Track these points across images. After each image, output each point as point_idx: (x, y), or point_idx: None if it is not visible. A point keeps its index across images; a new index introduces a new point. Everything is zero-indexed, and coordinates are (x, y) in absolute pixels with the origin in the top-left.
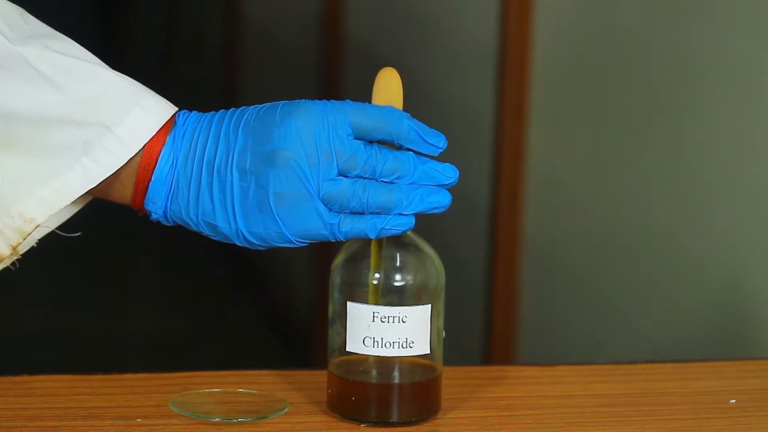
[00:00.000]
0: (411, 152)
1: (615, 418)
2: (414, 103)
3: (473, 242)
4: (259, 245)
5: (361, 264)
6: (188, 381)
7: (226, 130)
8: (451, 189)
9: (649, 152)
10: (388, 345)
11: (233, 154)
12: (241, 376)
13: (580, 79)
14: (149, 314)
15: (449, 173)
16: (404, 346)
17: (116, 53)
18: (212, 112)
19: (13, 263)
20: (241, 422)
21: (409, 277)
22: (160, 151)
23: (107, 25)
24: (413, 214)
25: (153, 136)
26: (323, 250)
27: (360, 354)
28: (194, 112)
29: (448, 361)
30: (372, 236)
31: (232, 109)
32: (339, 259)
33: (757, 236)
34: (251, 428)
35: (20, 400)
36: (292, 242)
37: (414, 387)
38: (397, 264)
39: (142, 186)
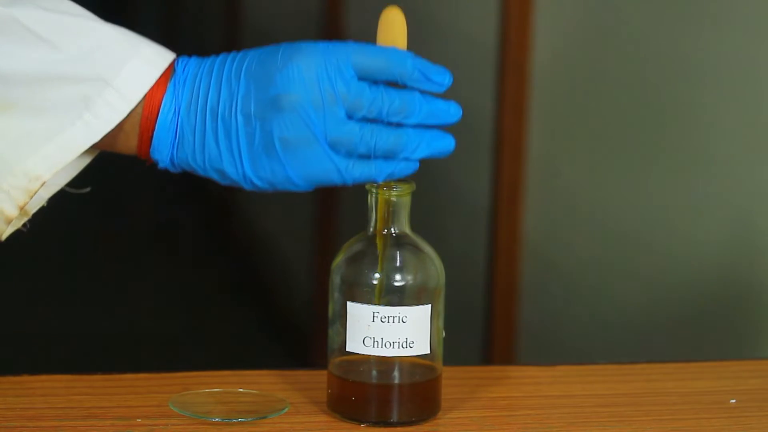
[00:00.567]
0: (416, 91)
1: (615, 418)
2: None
3: (473, 242)
4: (266, 189)
5: (361, 264)
6: (188, 381)
7: (228, 76)
8: (451, 188)
9: (649, 152)
10: (388, 345)
11: (237, 99)
12: (241, 376)
13: (580, 79)
14: (149, 314)
15: (454, 111)
16: (404, 346)
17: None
18: (212, 57)
19: (24, 224)
20: (241, 422)
21: (409, 277)
22: (162, 100)
23: None
24: (418, 159)
25: (152, 86)
26: (323, 250)
27: (360, 354)
28: (194, 57)
29: (448, 361)
30: (380, 180)
31: (233, 52)
32: (339, 259)
33: (758, 238)
34: (251, 428)
35: (20, 400)
36: (299, 186)
37: (414, 387)
38: (397, 264)
39: (146, 136)
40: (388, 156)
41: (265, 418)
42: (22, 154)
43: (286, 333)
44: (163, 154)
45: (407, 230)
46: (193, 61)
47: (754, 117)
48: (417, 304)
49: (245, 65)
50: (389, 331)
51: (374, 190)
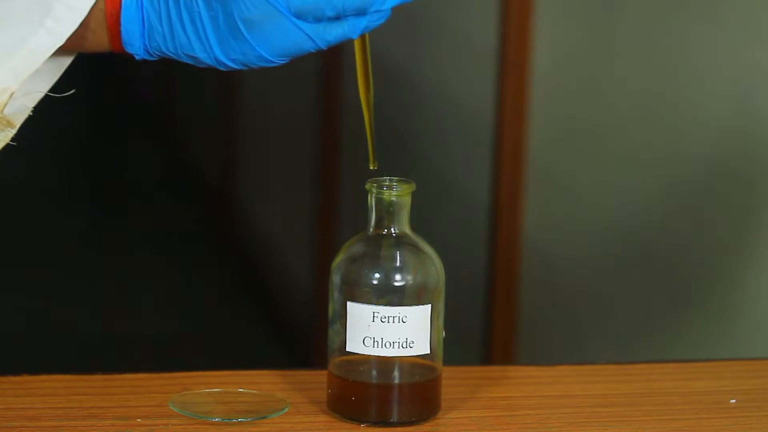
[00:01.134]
0: None
1: (615, 418)
2: (414, 102)
3: (473, 242)
4: (241, 68)
5: (361, 264)
6: (188, 381)
7: None
8: (451, 188)
9: (649, 152)
10: (388, 345)
11: None
12: (241, 376)
13: (580, 79)
14: (149, 314)
15: None
16: (404, 346)
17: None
18: None
19: (13, 139)
20: (241, 422)
21: (409, 277)
22: None
23: None
24: (390, 8)
25: None
26: (323, 250)
27: (360, 354)
28: None
29: (448, 361)
30: (355, 37)
31: None
32: (339, 259)
33: (758, 236)
34: (251, 428)
35: (20, 400)
36: (274, 62)
37: (414, 387)
38: (397, 264)
39: (114, 30)
40: (359, 12)
41: (265, 418)
42: None
43: (286, 333)
44: (135, 46)
45: (407, 230)
46: None
47: (755, 118)
48: (417, 304)
49: None
50: (389, 331)
51: (374, 190)
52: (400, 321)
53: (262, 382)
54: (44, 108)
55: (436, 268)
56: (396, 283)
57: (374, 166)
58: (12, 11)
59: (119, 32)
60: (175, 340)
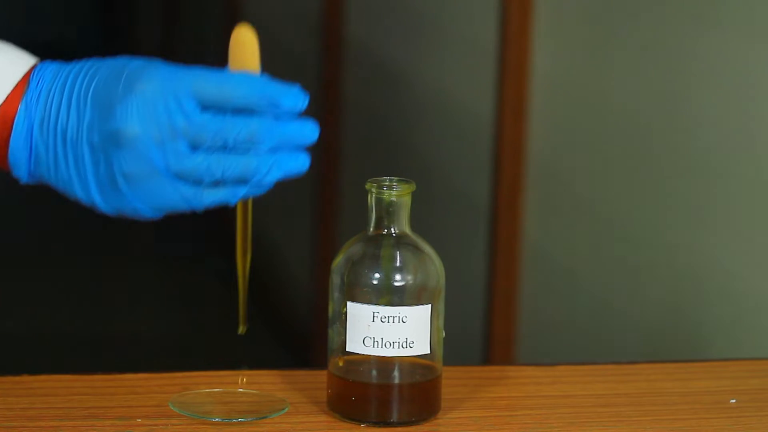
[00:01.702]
0: (267, 116)
1: (615, 418)
2: (414, 102)
3: (473, 242)
4: (117, 215)
5: (361, 264)
6: (188, 381)
7: (77, 97)
8: (451, 188)
9: (649, 152)
10: (388, 345)
11: (83, 127)
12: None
13: (580, 79)
14: (149, 314)
15: (309, 132)
16: (404, 346)
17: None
18: (70, 66)
19: None
20: (241, 422)
21: (409, 277)
22: (14, 117)
23: (107, 26)
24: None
25: (4, 101)
26: (323, 250)
27: (360, 354)
28: (53, 65)
29: (448, 361)
30: (233, 203)
31: (89, 62)
32: (339, 259)
33: (757, 237)
34: (251, 428)
35: (20, 400)
36: (148, 216)
37: (414, 387)
38: (397, 264)
39: (2, 151)
40: (240, 181)
41: (265, 418)
42: None
43: (286, 333)
44: (21, 171)
45: (407, 230)
46: (49, 74)
47: (756, 118)
48: (417, 304)
49: (93, 86)
50: (389, 331)
51: (374, 190)
52: (400, 321)
53: (262, 382)
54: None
55: (436, 268)
56: (396, 283)
57: (243, 331)
58: None
59: (6, 154)
60: (175, 340)
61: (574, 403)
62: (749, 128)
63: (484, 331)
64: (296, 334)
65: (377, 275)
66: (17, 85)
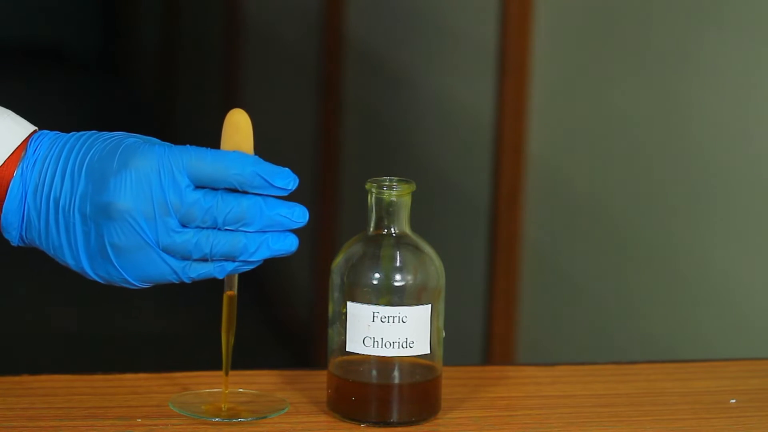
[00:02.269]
0: (258, 197)
1: (615, 418)
2: (414, 102)
3: (473, 242)
4: (108, 283)
5: (361, 264)
6: (188, 381)
7: (72, 168)
8: (451, 188)
9: (649, 152)
10: (388, 345)
11: (76, 197)
12: (241, 376)
13: (580, 79)
14: (149, 314)
15: (298, 216)
16: (404, 346)
17: (115, 53)
18: (67, 137)
19: None
20: (241, 422)
21: (409, 277)
22: (10, 182)
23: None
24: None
25: (1, 166)
26: (323, 251)
27: (360, 354)
28: (51, 134)
29: (448, 361)
30: (220, 277)
31: (86, 135)
32: (339, 259)
33: (757, 237)
34: (251, 428)
35: (20, 400)
36: (136, 285)
37: (414, 387)
38: (397, 264)
39: None
40: (227, 258)
41: (265, 418)
42: None
43: (286, 333)
44: (12, 235)
45: (407, 230)
46: (47, 141)
47: (756, 118)
48: (417, 304)
49: (89, 158)
50: (389, 331)
51: (374, 190)
52: (400, 321)
53: (262, 382)
54: (45, 109)
55: (436, 268)
56: (396, 283)
57: (225, 407)
58: None
59: None
60: (175, 340)
61: (574, 403)
62: (749, 128)
63: (484, 331)
64: (296, 334)
65: (377, 275)
66: (15, 150)
